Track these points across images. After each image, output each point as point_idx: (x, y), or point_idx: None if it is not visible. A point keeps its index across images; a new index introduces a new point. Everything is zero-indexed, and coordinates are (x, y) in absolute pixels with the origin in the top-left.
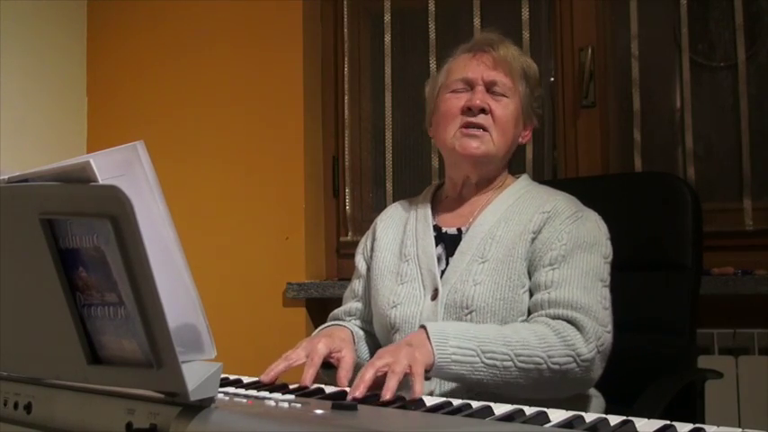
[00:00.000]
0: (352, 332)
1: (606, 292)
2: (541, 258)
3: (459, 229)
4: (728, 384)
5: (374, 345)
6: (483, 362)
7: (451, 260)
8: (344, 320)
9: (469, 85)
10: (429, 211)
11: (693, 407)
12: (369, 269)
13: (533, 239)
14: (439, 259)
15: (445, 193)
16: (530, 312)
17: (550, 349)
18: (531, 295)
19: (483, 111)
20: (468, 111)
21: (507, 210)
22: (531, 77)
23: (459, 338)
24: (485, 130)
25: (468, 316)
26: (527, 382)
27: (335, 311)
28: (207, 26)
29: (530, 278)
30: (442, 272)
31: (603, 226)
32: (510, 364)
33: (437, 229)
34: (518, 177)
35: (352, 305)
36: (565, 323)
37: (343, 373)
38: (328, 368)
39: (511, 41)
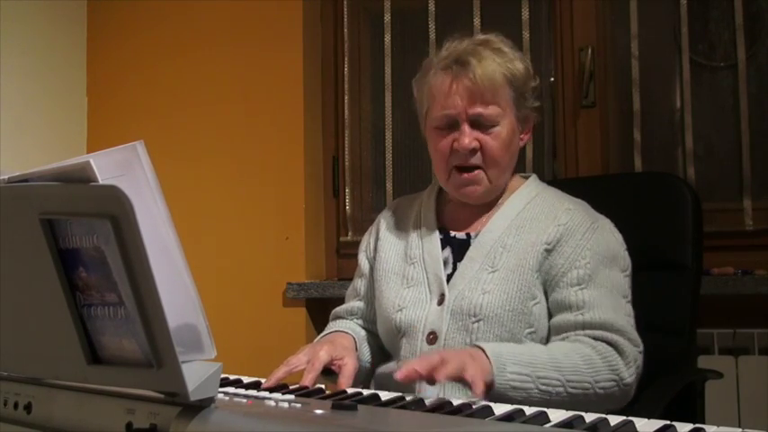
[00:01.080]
0: (354, 339)
1: (630, 309)
2: (565, 275)
3: (467, 234)
4: (728, 384)
5: (376, 345)
6: (538, 388)
7: (459, 265)
8: (347, 319)
9: (454, 121)
10: (434, 212)
11: (693, 407)
12: (372, 269)
13: (548, 251)
14: (445, 263)
15: (449, 197)
16: (551, 330)
17: (597, 374)
18: (550, 313)
19: (473, 150)
20: (456, 152)
21: (518, 216)
22: (518, 79)
23: (517, 364)
24: (478, 169)
25: (476, 324)
26: (572, 405)
27: (337, 309)
28: (207, 26)
29: (545, 292)
30: (449, 276)
31: (619, 235)
32: (561, 389)
33: (443, 231)
34: (526, 178)
35: (354, 304)
36: (607, 346)
37: (344, 380)
38: (329, 375)
39: (485, 45)
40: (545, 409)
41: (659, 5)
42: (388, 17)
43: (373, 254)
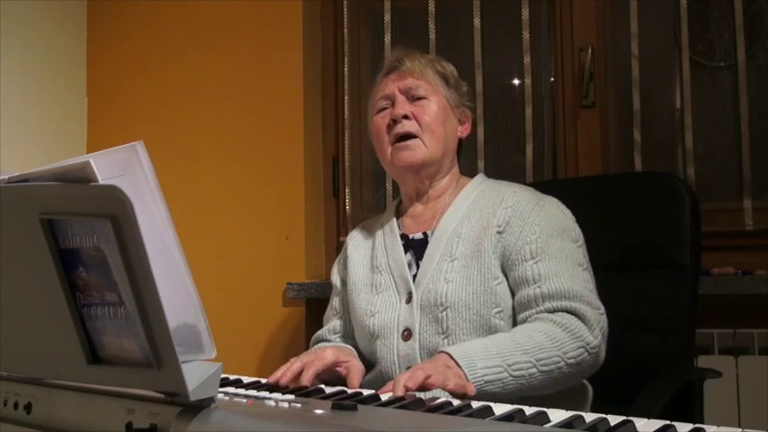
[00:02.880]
0: (352, 350)
1: (587, 275)
2: (519, 252)
3: (424, 233)
4: (728, 384)
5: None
6: (511, 375)
7: (421, 263)
8: (330, 339)
9: (390, 100)
10: (395, 222)
11: (692, 406)
12: (345, 285)
13: (499, 233)
14: (410, 265)
15: (405, 205)
16: (515, 308)
17: (564, 346)
18: (513, 292)
19: (406, 117)
20: (393, 123)
21: (468, 208)
22: (449, 77)
23: (485, 358)
24: (414, 136)
25: (444, 313)
26: (549, 383)
27: (318, 333)
28: (207, 26)
29: (504, 273)
30: (414, 276)
31: (566, 210)
32: (534, 370)
33: (404, 237)
34: (472, 178)
35: (335, 323)
36: (567, 315)
37: (354, 375)
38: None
39: (420, 53)
40: (545, 409)
41: (659, 5)
42: (388, 17)
43: (344, 272)
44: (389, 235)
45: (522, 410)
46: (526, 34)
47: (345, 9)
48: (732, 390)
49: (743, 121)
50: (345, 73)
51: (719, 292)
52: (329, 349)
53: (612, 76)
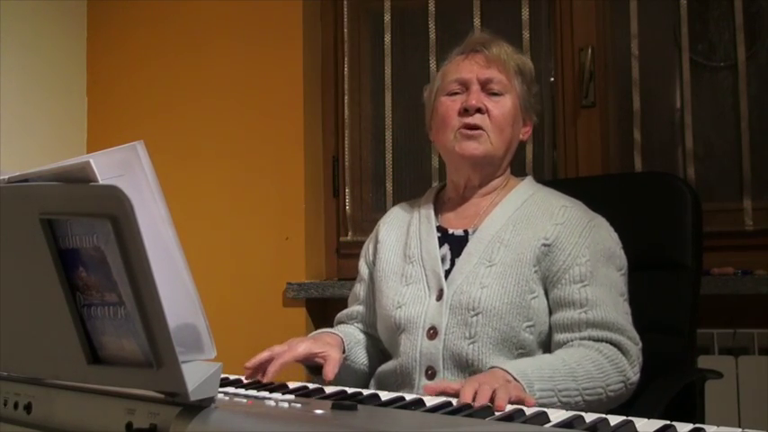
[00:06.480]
0: (342, 339)
1: (627, 307)
2: (566, 272)
3: (465, 231)
4: (728, 384)
5: (374, 349)
6: (559, 401)
7: (458, 261)
8: (347, 324)
9: (465, 86)
10: (432, 213)
11: (693, 407)
12: (371, 273)
13: (545, 247)
14: (443, 260)
15: (447, 194)
16: (552, 327)
17: (608, 378)
18: (551, 309)
19: (479, 110)
20: (464, 112)
21: (515, 213)
22: (526, 74)
23: (541, 381)
24: (482, 130)
25: (475, 318)
26: (585, 410)
27: (339, 314)
28: (207, 26)
29: (544, 288)
30: (447, 272)
31: (614, 234)
32: (579, 399)
33: (441, 230)
34: (522, 179)
35: (354, 309)
36: (611, 347)
37: (329, 367)
38: (314, 371)
39: (504, 40)
40: (545, 410)
41: (659, 5)
42: (388, 17)
43: (372, 258)
44: (425, 225)
45: (521, 410)
46: (526, 34)
47: (345, 9)
48: (732, 390)
49: (743, 121)
50: (345, 73)
51: (719, 292)
52: (304, 344)
53: (612, 76)
